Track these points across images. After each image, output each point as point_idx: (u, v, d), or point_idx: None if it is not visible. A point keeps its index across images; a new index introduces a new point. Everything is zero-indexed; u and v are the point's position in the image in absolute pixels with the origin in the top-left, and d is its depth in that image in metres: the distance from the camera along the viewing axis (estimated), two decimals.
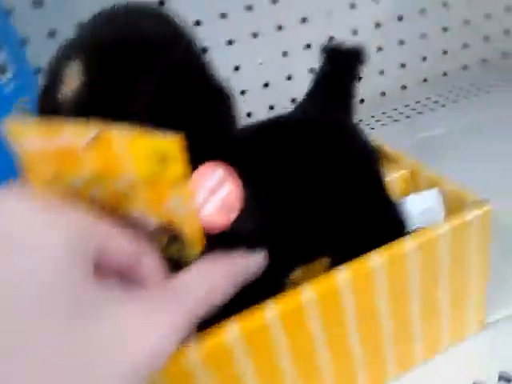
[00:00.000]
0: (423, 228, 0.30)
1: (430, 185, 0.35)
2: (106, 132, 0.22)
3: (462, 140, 0.63)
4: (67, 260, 0.18)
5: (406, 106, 0.79)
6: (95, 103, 0.24)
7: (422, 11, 0.82)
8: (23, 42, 0.64)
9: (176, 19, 0.27)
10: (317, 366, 0.30)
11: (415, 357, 0.34)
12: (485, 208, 0.30)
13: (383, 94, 0.83)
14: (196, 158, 0.24)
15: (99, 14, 0.26)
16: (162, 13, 0.27)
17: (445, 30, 0.85)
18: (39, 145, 0.23)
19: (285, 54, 0.76)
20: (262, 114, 0.72)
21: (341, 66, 0.34)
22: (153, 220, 0.25)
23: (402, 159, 0.38)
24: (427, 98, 0.81)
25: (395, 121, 0.74)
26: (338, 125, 0.33)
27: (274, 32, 0.74)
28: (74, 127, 0.22)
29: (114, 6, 0.27)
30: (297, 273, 0.33)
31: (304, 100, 0.35)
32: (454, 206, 0.33)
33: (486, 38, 0.87)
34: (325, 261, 0.33)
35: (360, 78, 0.35)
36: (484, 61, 0.88)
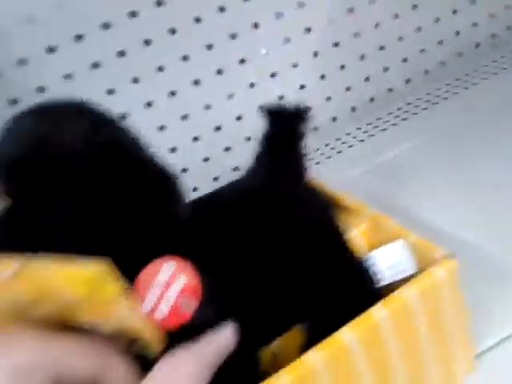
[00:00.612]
0: (396, 284, 0.29)
1: (394, 236, 0.34)
2: (27, 265, 0.21)
3: (419, 160, 0.63)
4: None
5: (357, 128, 0.78)
6: (16, 235, 0.23)
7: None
8: None
9: (101, 115, 0.26)
10: None
11: None
12: (451, 263, 0.29)
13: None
14: (143, 256, 0.23)
15: (17, 119, 0.25)
16: (84, 111, 0.26)
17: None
18: None
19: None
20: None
21: (284, 128, 0.33)
22: (106, 328, 0.24)
23: (363, 211, 0.36)
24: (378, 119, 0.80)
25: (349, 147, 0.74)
26: (287, 193, 0.32)
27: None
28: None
29: (30, 110, 0.25)
30: (275, 344, 0.32)
31: (251, 167, 0.34)
32: (419, 258, 0.32)
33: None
34: (300, 331, 0.32)
35: (305, 136, 0.33)
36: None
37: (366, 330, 0.27)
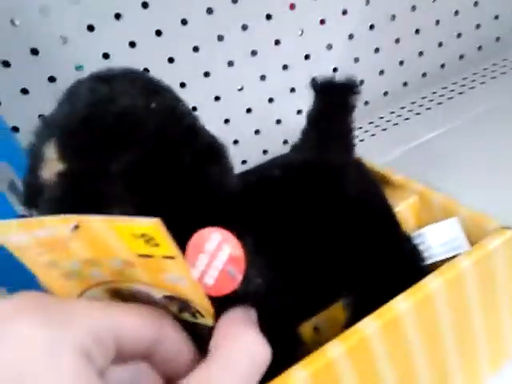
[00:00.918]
0: (446, 262, 0.28)
1: (443, 210, 0.33)
2: (85, 221, 0.22)
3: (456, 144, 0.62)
4: None
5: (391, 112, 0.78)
6: (74, 196, 0.24)
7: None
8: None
9: (156, 83, 0.26)
10: None
11: None
12: (507, 234, 0.29)
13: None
14: (191, 226, 0.24)
15: (74, 86, 0.25)
16: (138, 78, 0.26)
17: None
18: (25, 238, 0.23)
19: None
20: None
21: (333, 102, 0.32)
22: (157, 292, 0.25)
23: (411, 186, 0.36)
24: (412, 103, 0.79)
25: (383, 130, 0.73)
26: (337, 166, 0.32)
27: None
28: (52, 220, 0.22)
29: (88, 77, 0.26)
30: (318, 318, 0.32)
31: (299, 141, 0.34)
32: (471, 231, 0.31)
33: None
34: (343, 303, 0.32)
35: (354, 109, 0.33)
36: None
37: (421, 299, 0.27)
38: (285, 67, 0.69)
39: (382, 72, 0.76)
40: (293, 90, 0.70)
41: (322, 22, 0.69)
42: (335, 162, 0.31)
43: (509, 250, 0.29)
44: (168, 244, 0.22)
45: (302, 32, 0.68)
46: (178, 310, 0.26)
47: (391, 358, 0.27)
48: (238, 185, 0.29)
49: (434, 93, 0.76)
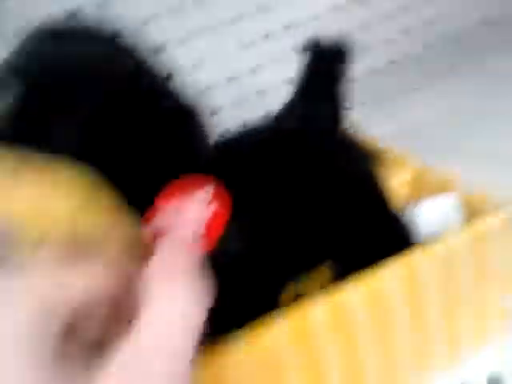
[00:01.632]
0: (439, 237, 0.27)
1: (438, 187, 0.32)
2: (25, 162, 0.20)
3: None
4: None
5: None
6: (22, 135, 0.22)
7: None
8: None
9: (129, 44, 0.25)
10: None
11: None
12: (504, 212, 0.27)
13: None
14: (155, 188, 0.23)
15: (46, 30, 0.24)
16: (112, 37, 0.25)
17: None
18: None
19: None
20: None
21: (327, 66, 0.31)
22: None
23: (407, 162, 0.35)
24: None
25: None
26: (328, 133, 0.31)
27: None
28: None
29: (66, 24, 0.25)
30: (300, 284, 0.31)
31: (289, 103, 0.33)
32: (469, 209, 0.30)
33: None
34: (327, 272, 0.31)
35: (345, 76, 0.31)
36: None
37: (406, 271, 0.27)
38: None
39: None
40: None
41: None
42: (323, 131, 0.31)
43: (506, 227, 0.28)
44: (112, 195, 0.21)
45: None
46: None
47: (373, 328, 0.27)
48: (229, 145, 0.29)
49: None
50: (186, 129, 0.25)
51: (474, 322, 0.31)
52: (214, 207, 0.26)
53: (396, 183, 0.33)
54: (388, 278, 0.26)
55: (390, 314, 0.27)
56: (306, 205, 0.29)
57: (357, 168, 0.31)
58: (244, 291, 0.27)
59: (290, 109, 0.32)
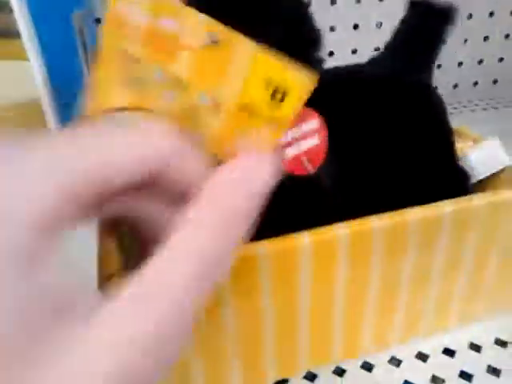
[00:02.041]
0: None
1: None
2: (237, 38, 0.19)
3: None
4: None
5: None
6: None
7: None
8: None
9: None
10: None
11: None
12: None
13: None
14: None
15: None
16: None
17: None
18: (142, 17, 0.20)
19: None
20: None
21: (430, 24, 0.33)
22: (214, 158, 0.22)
23: (467, 132, 0.38)
24: None
25: None
26: (420, 86, 0.33)
27: None
28: (201, 17, 0.20)
29: None
30: None
31: (383, 52, 0.35)
32: None
33: None
34: None
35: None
36: None
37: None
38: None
39: None
40: None
41: None
42: (419, 82, 0.33)
43: None
44: (295, 107, 0.20)
45: None
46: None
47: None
48: (327, 80, 0.30)
49: None
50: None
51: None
52: (317, 139, 0.27)
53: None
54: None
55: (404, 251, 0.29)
56: (390, 148, 0.31)
57: (444, 120, 0.33)
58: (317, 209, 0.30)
59: (390, 54, 0.34)
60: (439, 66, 0.85)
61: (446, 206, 0.28)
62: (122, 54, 0.21)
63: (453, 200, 0.29)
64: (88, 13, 0.63)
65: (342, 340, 0.32)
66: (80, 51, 0.57)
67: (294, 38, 0.27)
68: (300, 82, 0.19)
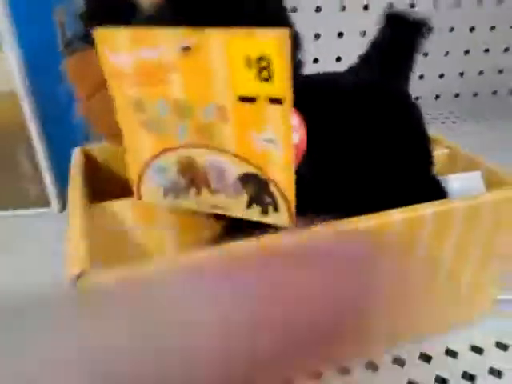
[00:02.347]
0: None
1: (468, 166, 0.36)
2: (205, 33, 0.20)
3: None
4: None
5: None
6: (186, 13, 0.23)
7: None
8: None
9: None
10: None
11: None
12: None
13: None
14: None
15: None
16: None
17: None
18: (128, 60, 0.22)
19: None
20: None
21: (404, 36, 0.34)
22: (235, 168, 0.24)
23: (441, 141, 0.38)
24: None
25: None
26: (397, 92, 0.33)
27: None
28: (169, 32, 0.20)
29: None
30: None
31: (360, 61, 0.36)
32: (494, 185, 0.34)
33: None
34: None
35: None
36: None
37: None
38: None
39: None
40: None
41: None
42: (396, 89, 0.34)
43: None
44: (283, 73, 0.20)
45: None
46: (247, 202, 0.25)
47: None
48: (306, 82, 0.30)
49: None
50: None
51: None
52: (297, 136, 0.27)
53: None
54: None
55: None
56: (366, 151, 0.31)
57: (421, 129, 0.34)
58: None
59: (367, 64, 0.35)
60: (421, 77, 0.86)
61: (428, 208, 0.29)
62: (128, 100, 0.23)
63: (433, 203, 0.29)
64: (68, 7, 0.63)
65: None
66: (61, 45, 0.57)
67: None
68: (272, 39, 0.19)
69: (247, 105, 0.21)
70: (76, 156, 0.36)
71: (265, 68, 0.20)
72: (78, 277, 0.22)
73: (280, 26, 0.19)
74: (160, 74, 0.22)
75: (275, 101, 0.21)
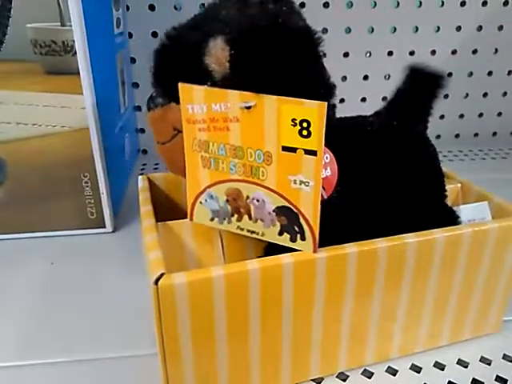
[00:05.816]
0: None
1: (478, 199, 0.41)
2: (263, 97, 0.27)
3: None
4: None
5: None
6: (248, 82, 0.28)
7: None
8: None
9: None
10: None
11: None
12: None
13: None
14: None
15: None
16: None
17: None
18: (200, 109, 0.28)
19: None
20: None
21: (423, 87, 0.40)
22: (273, 201, 0.29)
23: (454, 177, 0.44)
24: None
25: None
26: (416, 134, 0.39)
27: None
28: (236, 93, 0.27)
29: None
30: None
31: (385, 106, 0.42)
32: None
33: None
34: None
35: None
36: None
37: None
38: None
39: None
40: None
41: None
42: (419, 132, 0.39)
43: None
44: (319, 133, 0.25)
45: None
46: (279, 230, 0.30)
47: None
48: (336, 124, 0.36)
49: None
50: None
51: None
52: (329, 170, 0.32)
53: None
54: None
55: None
56: (389, 182, 0.36)
57: (436, 167, 0.39)
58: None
59: (391, 109, 0.41)
60: (442, 117, 0.93)
61: (439, 233, 0.33)
62: (197, 142, 0.29)
63: (444, 228, 0.34)
64: (126, 53, 0.71)
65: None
66: (119, 87, 0.65)
67: (313, 90, 0.33)
68: (314, 108, 0.25)
69: (288, 154, 0.27)
70: (142, 182, 0.42)
71: (305, 128, 0.26)
72: (159, 278, 0.27)
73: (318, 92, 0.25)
74: (225, 124, 0.28)
75: (311, 152, 0.27)
